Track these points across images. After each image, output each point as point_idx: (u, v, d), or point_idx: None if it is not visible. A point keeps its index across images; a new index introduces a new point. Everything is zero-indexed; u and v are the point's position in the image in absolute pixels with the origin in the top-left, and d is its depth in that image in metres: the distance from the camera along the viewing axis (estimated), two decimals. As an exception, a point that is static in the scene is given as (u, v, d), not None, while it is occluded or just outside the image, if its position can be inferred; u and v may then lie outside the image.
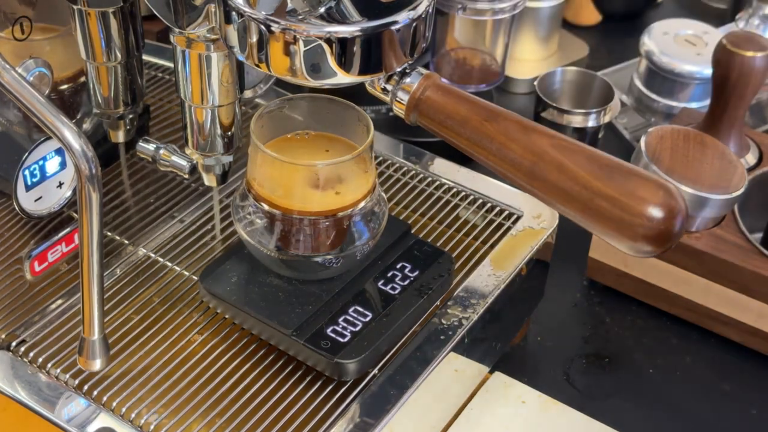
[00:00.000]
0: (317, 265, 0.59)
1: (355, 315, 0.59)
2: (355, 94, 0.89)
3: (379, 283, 0.61)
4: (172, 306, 0.63)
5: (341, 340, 0.57)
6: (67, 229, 0.64)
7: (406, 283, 0.61)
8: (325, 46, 0.48)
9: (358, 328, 0.58)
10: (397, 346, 0.60)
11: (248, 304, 0.60)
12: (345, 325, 0.58)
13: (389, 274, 0.62)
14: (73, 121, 0.55)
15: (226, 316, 0.61)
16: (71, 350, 0.59)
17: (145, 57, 0.65)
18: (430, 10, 0.51)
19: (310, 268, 0.59)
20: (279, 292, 0.60)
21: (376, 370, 0.59)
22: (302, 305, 0.59)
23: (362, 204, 0.58)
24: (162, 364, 0.59)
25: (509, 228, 0.70)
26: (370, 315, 0.59)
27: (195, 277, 0.65)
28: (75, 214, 0.64)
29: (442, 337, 0.60)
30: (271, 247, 0.58)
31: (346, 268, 0.60)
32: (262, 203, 0.57)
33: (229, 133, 0.60)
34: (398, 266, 0.63)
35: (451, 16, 0.86)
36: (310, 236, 0.58)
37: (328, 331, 0.58)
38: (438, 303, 0.63)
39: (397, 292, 0.61)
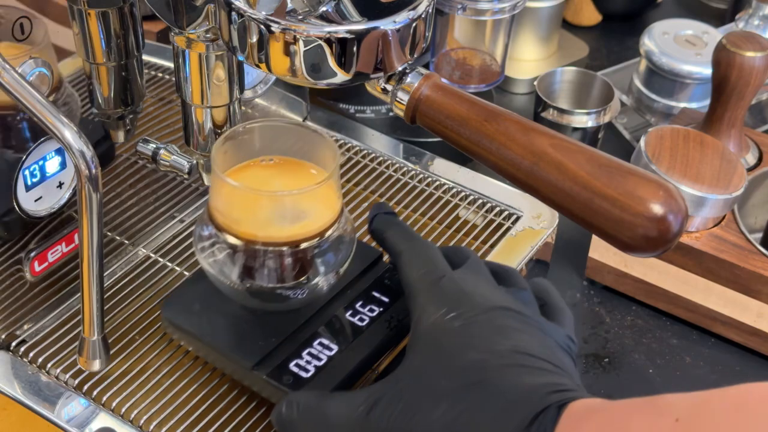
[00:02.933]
0: (282, 296, 0.56)
1: (320, 348, 0.56)
2: (355, 94, 0.89)
3: (347, 314, 0.58)
4: (172, 306, 0.63)
5: (304, 375, 0.55)
6: (68, 229, 0.64)
7: (374, 314, 0.59)
8: (325, 47, 0.48)
9: (322, 363, 0.55)
10: (363, 378, 0.57)
11: (209, 335, 0.57)
12: (309, 358, 0.56)
13: (358, 305, 0.59)
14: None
15: (189, 349, 0.59)
16: (71, 350, 0.59)
17: (145, 57, 0.65)
18: (430, 10, 0.51)
19: (275, 299, 0.56)
20: (242, 323, 0.58)
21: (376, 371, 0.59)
22: (265, 337, 0.57)
23: (329, 233, 0.55)
24: (162, 364, 0.59)
25: (509, 228, 0.70)
26: (335, 348, 0.56)
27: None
28: (75, 214, 0.64)
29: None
30: (233, 278, 0.55)
31: (313, 299, 0.58)
32: (225, 233, 0.54)
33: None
34: (367, 296, 0.60)
35: (450, 16, 0.86)
36: (275, 268, 0.54)
37: (291, 365, 0.55)
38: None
39: (365, 323, 0.58)
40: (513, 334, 0.48)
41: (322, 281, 0.56)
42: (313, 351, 0.56)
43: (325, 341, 0.57)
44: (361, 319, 0.58)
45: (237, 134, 0.56)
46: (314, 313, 0.59)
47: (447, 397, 0.46)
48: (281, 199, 0.54)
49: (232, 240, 0.54)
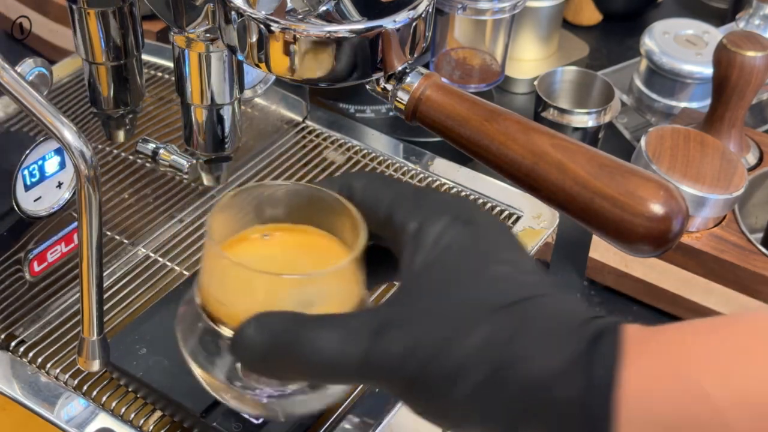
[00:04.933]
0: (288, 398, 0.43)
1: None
2: (355, 93, 0.89)
3: None
4: (172, 306, 0.63)
5: (254, 422, 0.53)
6: (67, 229, 0.64)
7: None
8: (325, 46, 0.48)
9: None
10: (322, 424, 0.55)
11: (156, 379, 0.55)
12: None
13: None
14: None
15: (138, 395, 0.57)
16: (71, 350, 0.59)
17: (144, 56, 0.65)
18: (430, 10, 0.51)
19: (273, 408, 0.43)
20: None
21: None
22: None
23: None
24: (161, 364, 0.59)
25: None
26: (288, 391, 0.54)
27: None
28: (75, 214, 0.64)
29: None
30: (221, 378, 0.42)
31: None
32: (221, 326, 0.40)
33: (229, 132, 0.60)
34: None
35: (451, 16, 0.86)
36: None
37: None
38: None
39: None
40: (518, 241, 0.41)
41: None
42: None
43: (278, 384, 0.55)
44: None
45: (239, 198, 0.43)
46: None
47: (483, 320, 0.36)
48: (301, 284, 0.41)
49: (227, 334, 0.40)
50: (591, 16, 1.09)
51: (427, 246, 0.39)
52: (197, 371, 0.42)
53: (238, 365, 0.41)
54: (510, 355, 0.36)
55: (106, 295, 0.62)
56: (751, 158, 0.79)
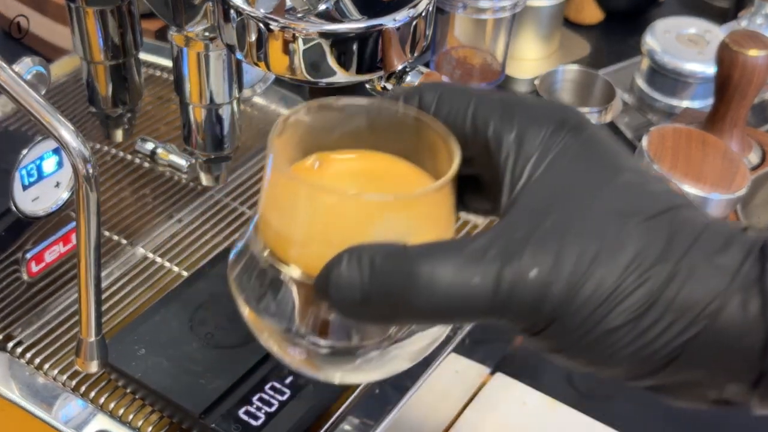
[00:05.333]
0: (356, 357, 0.36)
1: (272, 392, 0.54)
2: (355, 92, 0.89)
3: None
4: (171, 306, 0.62)
5: (254, 423, 0.53)
6: (65, 229, 0.63)
7: None
8: (325, 45, 0.48)
9: (273, 409, 0.54)
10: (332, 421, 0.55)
11: (155, 380, 0.55)
12: (260, 404, 0.54)
13: None
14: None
15: (137, 396, 0.57)
16: (69, 351, 0.59)
17: (143, 55, 0.65)
18: (431, 9, 0.51)
19: (345, 362, 0.37)
20: (191, 365, 0.56)
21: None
22: (214, 380, 0.55)
23: None
24: (160, 365, 0.58)
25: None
26: (287, 393, 0.54)
27: (193, 278, 0.64)
28: (73, 213, 0.64)
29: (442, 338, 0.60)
30: (301, 331, 0.35)
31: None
32: (291, 266, 0.34)
33: (228, 132, 0.59)
34: None
35: (451, 15, 0.85)
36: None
37: (241, 412, 0.53)
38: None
39: None
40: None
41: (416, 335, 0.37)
42: (264, 396, 0.54)
43: (278, 384, 0.55)
44: None
45: (304, 115, 0.37)
46: (266, 353, 0.56)
47: (633, 233, 0.31)
48: (389, 208, 0.34)
49: (296, 276, 0.34)
50: (592, 14, 1.09)
51: (535, 156, 0.34)
52: (256, 324, 0.37)
53: (298, 315, 0.35)
54: (667, 273, 0.30)
55: (104, 296, 0.61)
56: (754, 158, 0.78)
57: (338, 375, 0.38)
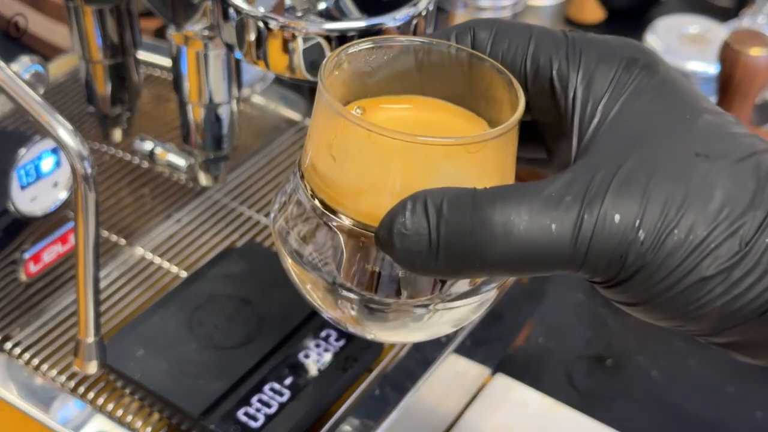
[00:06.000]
0: (412, 313, 0.34)
1: (272, 393, 0.54)
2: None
3: (300, 355, 0.56)
4: (170, 307, 0.62)
5: (253, 424, 0.53)
6: (63, 229, 0.63)
7: (330, 353, 0.57)
8: (325, 44, 0.48)
9: (272, 410, 0.53)
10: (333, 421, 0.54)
11: (153, 381, 0.55)
12: (259, 405, 0.54)
13: (313, 343, 0.57)
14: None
15: (136, 397, 0.56)
16: (67, 352, 0.59)
17: (141, 54, 0.64)
18: (431, 7, 0.50)
19: (386, 320, 0.35)
20: (190, 366, 0.56)
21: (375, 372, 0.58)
22: (214, 381, 0.55)
23: None
24: (159, 366, 0.58)
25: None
26: (287, 394, 0.54)
27: (193, 278, 0.64)
28: (71, 213, 0.64)
29: (443, 339, 0.59)
30: (348, 285, 0.33)
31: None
32: (341, 215, 0.32)
33: (227, 131, 0.59)
34: (323, 334, 0.58)
35: (451, 14, 0.85)
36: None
37: (240, 413, 0.53)
38: (367, 371, 0.57)
39: (319, 364, 0.56)
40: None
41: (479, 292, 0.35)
42: (263, 397, 0.54)
43: (277, 385, 0.55)
44: (316, 359, 0.56)
45: (349, 54, 0.34)
46: (268, 351, 0.57)
47: (721, 177, 0.29)
48: (456, 154, 0.31)
49: (347, 224, 0.32)
50: (594, 13, 1.08)
51: (607, 96, 0.31)
52: (300, 276, 0.34)
53: (346, 267, 0.33)
54: (759, 221, 0.28)
55: (103, 296, 0.61)
56: (756, 157, 0.78)
57: (379, 332, 0.36)
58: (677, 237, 0.28)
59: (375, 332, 0.36)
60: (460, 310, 0.34)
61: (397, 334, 0.36)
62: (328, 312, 0.35)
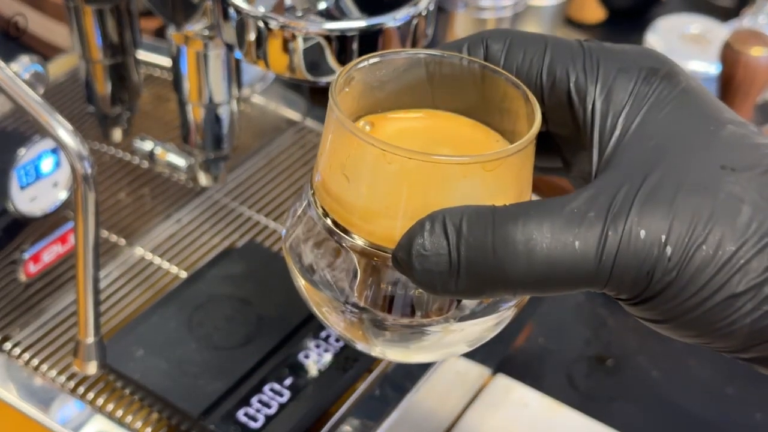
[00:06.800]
0: (420, 333, 0.34)
1: (272, 394, 0.54)
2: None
3: (300, 355, 0.56)
4: (169, 307, 0.62)
5: (253, 425, 0.53)
6: (63, 229, 0.63)
7: (330, 354, 0.57)
8: (325, 44, 0.47)
9: (272, 410, 0.53)
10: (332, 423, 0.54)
11: (153, 382, 0.55)
12: (259, 406, 0.54)
13: (313, 344, 0.57)
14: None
15: (135, 397, 0.56)
16: (67, 352, 0.59)
17: (141, 54, 0.64)
18: (431, 7, 0.50)
19: (407, 339, 0.34)
20: (190, 366, 0.56)
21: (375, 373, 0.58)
22: (213, 381, 0.55)
23: None
24: (158, 366, 0.58)
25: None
26: (287, 394, 0.54)
27: (192, 278, 0.64)
28: (71, 213, 0.64)
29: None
30: (361, 305, 0.33)
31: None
32: (354, 235, 0.32)
33: (227, 131, 0.59)
34: (323, 335, 0.58)
35: (451, 14, 0.85)
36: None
37: (240, 413, 0.53)
38: (367, 371, 0.57)
39: (319, 364, 0.56)
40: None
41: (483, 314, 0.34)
42: (263, 397, 0.54)
43: (277, 385, 0.55)
44: (316, 360, 0.56)
45: (358, 70, 0.33)
46: (267, 351, 0.57)
47: (748, 190, 0.28)
48: (472, 172, 0.30)
49: (361, 244, 0.32)
50: (594, 13, 1.08)
51: (627, 108, 0.31)
52: (312, 296, 0.34)
53: (359, 288, 0.32)
54: None
55: (102, 296, 0.61)
56: (756, 158, 0.78)
57: (392, 352, 0.35)
58: (705, 253, 0.27)
59: (386, 351, 0.35)
60: (476, 329, 0.34)
61: (410, 353, 0.35)
62: (339, 331, 0.35)
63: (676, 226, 0.27)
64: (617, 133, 0.30)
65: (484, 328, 0.34)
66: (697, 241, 0.27)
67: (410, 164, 0.29)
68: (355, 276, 0.32)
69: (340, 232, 0.32)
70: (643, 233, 0.27)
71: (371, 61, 0.33)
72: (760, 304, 0.27)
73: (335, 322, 0.34)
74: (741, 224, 0.28)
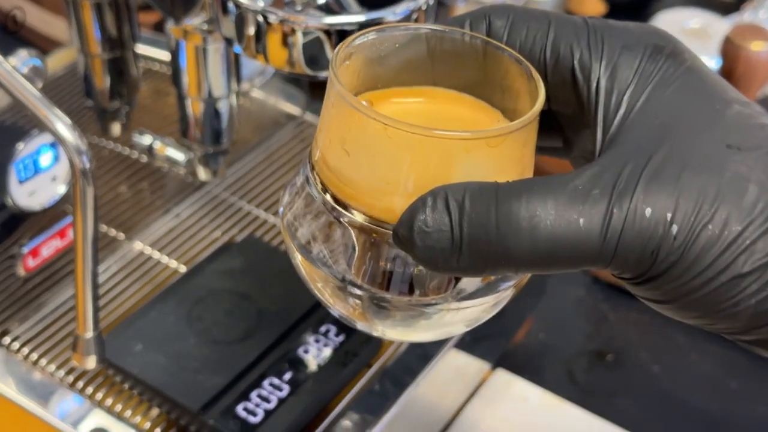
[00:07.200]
0: (421, 313, 0.33)
1: (271, 389, 0.54)
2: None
3: (300, 350, 0.56)
4: (169, 302, 0.62)
5: (252, 419, 0.53)
6: (62, 224, 0.63)
7: (329, 349, 0.57)
8: (324, 38, 0.47)
9: (272, 405, 0.53)
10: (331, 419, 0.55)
11: (152, 376, 0.54)
12: (258, 400, 0.54)
13: (312, 338, 0.57)
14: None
15: (134, 392, 0.56)
16: (65, 347, 0.59)
17: (140, 48, 0.64)
18: (431, 2, 0.50)
19: (406, 319, 0.34)
20: (189, 361, 0.56)
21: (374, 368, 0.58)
22: (213, 376, 0.54)
23: None
24: (158, 361, 0.58)
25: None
26: (286, 389, 0.54)
27: (192, 273, 0.64)
28: (70, 208, 0.64)
29: (443, 334, 0.59)
30: (359, 282, 0.32)
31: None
32: (354, 211, 0.31)
33: (226, 125, 0.59)
34: (323, 329, 0.58)
35: (451, 8, 0.85)
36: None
37: (239, 408, 0.53)
38: (367, 366, 0.57)
39: (319, 359, 0.56)
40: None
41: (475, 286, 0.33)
42: (262, 392, 0.54)
43: (277, 380, 0.55)
44: (316, 354, 0.56)
45: (358, 44, 0.33)
46: (267, 346, 0.57)
47: (753, 173, 0.28)
48: (476, 148, 0.30)
49: (360, 220, 0.31)
50: (594, 7, 1.08)
51: (632, 86, 0.30)
52: (309, 273, 0.33)
53: (357, 264, 0.31)
54: None
55: (101, 291, 0.61)
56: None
57: (389, 331, 0.34)
58: (711, 232, 0.27)
59: (385, 331, 0.35)
60: (474, 309, 0.33)
61: (409, 332, 0.35)
62: (337, 309, 0.34)
63: (682, 204, 0.27)
64: (622, 111, 0.30)
65: (483, 308, 0.34)
66: (703, 220, 0.27)
67: (413, 139, 0.29)
68: (354, 253, 0.32)
69: (340, 208, 0.31)
70: (648, 211, 0.27)
71: (373, 35, 0.33)
72: (765, 285, 0.27)
73: (332, 299, 0.34)
74: (747, 204, 0.27)
